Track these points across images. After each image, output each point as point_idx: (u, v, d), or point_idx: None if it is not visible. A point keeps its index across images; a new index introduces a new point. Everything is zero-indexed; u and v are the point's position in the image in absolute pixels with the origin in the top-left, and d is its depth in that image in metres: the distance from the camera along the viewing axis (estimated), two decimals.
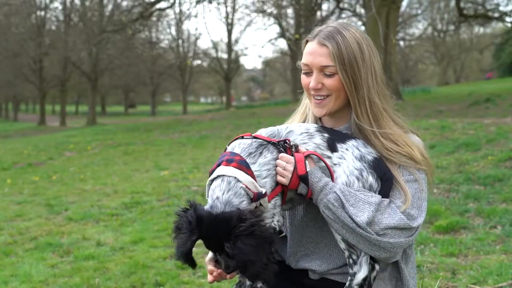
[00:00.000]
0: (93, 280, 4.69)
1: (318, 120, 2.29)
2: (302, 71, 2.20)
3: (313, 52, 2.12)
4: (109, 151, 15.67)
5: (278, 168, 1.98)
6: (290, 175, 1.96)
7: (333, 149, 2.06)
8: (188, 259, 1.91)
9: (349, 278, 2.03)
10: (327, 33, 2.12)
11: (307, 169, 1.98)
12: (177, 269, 4.85)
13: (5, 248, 5.93)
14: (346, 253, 2.04)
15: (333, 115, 2.21)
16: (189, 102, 60.05)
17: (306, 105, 2.35)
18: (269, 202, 1.94)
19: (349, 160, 2.04)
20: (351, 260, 2.03)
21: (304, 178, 1.97)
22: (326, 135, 2.08)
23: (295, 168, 1.96)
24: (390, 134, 2.12)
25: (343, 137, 2.10)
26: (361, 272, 2.01)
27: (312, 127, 2.12)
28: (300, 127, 2.11)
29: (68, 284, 4.65)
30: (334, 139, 2.08)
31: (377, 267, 2.07)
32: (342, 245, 2.03)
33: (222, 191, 1.86)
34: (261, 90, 79.37)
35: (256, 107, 33.99)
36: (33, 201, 8.72)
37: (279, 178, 1.98)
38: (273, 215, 1.97)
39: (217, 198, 1.86)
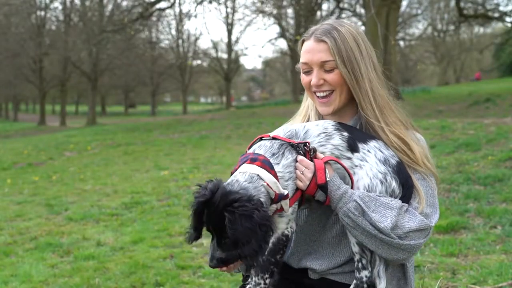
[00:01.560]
0: (93, 280, 4.69)
1: (321, 119, 2.29)
2: (302, 71, 2.20)
3: (311, 49, 2.14)
4: (109, 151, 15.67)
5: (297, 171, 1.95)
6: (308, 182, 1.94)
7: (354, 149, 2.01)
8: (197, 223, 1.89)
9: (354, 281, 2.02)
10: (323, 30, 2.14)
11: (327, 178, 1.95)
12: (177, 269, 4.85)
13: (5, 248, 5.93)
14: (357, 257, 2.02)
15: (336, 113, 2.20)
16: (189, 102, 60.05)
17: (308, 106, 2.34)
18: (290, 206, 1.91)
19: (372, 163, 2.00)
20: (360, 264, 2.02)
21: (323, 187, 1.94)
22: (345, 133, 2.03)
23: (314, 175, 1.93)
24: (397, 130, 2.11)
25: (364, 137, 2.06)
26: (382, 285, 2.00)
27: (330, 125, 2.06)
28: (318, 127, 2.06)
29: (68, 284, 4.65)
30: (355, 139, 2.03)
31: None
32: (355, 249, 2.01)
33: (244, 179, 1.85)
34: (261, 90, 79.36)
35: (256, 107, 33.97)
36: (33, 201, 8.71)
37: (297, 182, 1.95)
38: (289, 221, 1.94)
39: (237, 180, 1.85)
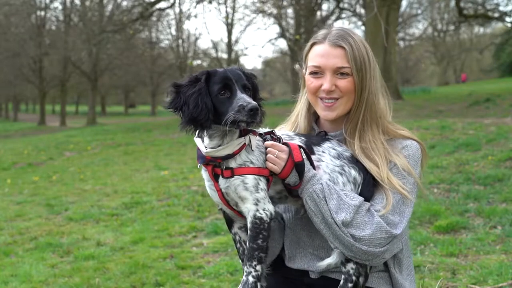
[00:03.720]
0: (93, 280, 4.69)
1: (314, 124, 2.30)
2: (310, 74, 2.18)
3: (326, 54, 2.12)
4: (109, 151, 15.67)
5: (270, 156, 1.99)
6: (283, 164, 1.98)
7: (311, 151, 2.11)
8: None
9: (342, 276, 2.05)
10: (338, 35, 2.12)
11: (303, 156, 2.01)
12: (177, 269, 4.85)
13: (5, 248, 5.93)
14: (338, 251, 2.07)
15: (335, 119, 2.22)
16: None
17: (298, 114, 2.34)
18: (251, 174, 1.97)
19: (327, 160, 2.08)
20: (343, 259, 2.06)
21: (300, 165, 1.99)
22: (303, 138, 2.14)
23: (290, 155, 1.99)
24: (369, 151, 2.12)
25: (319, 141, 2.15)
26: (329, 259, 2.05)
27: (290, 132, 2.20)
28: (281, 131, 2.21)
29: (68, 284, 4.65)
30: (311, 142, 2.13)
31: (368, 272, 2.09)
32: (333, 245, 2.05)
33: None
34: (261, 90, 79.29)
35: None
36: (33, 201, 8.71)
37: (270, 165, 1.99)
38: (257, 201, 1.95)
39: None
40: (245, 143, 1.98)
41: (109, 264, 5.13)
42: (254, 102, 1.88)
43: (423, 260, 4.47)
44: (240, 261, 2.19)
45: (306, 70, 2.23)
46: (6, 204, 8.73)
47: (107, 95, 59.93)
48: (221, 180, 1.99)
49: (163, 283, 4.52)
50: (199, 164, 2.04)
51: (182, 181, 9.23)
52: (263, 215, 1.95)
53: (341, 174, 2.06)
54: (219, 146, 1.97)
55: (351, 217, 1.96)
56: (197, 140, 2.03)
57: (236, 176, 1.96)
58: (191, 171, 10.13)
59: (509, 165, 6.99)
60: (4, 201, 9.04)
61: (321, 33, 2.18)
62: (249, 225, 1.97)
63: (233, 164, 1.98)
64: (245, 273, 1.97)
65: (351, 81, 2.11)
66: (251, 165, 1.98)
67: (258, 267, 1.95)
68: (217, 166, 2.00)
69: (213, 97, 1.93)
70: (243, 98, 1.89)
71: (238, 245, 2.16)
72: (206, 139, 2.00)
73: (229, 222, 2.17)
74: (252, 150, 2.00)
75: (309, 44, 2.22)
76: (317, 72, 2.15)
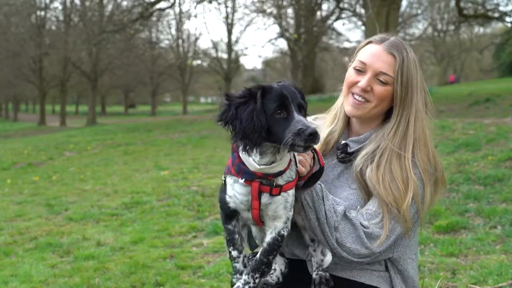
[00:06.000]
0: (93, 280, 4.69)
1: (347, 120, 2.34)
2: (354, 68, 2.19)
3: (377, 54, 2.14)
4: (109, 151, 15.66)
5: (299, 157, 2.01)
6: (309, 167, 2.02)
7: None
8: None
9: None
10: (395, 44, 2.15)
11: (324, 161, 2.06)
12: (177, 269, 4.85)
13: (5, 248, 5.93)
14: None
15: (363, 120, 2.24)
16: (189, 102, 59.98)
17: (339, 104, 2.35)
18: (291, 190, 1.96)
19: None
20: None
21: (321, 169, 2.03)
22: None
23: (316, 158, 2.02)
24: (420, 169, 2.12)
25: None
26: (328, 256, 2.09)
27: None
28: None
29: (68, 284, 4.65)
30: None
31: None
32: (317, 237, 2.12)
33: None
34: None
35: None
36: (33, 201, 8.71)
37: (300, 167, 2.01)
38: (287, 219, 1.97)
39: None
40: (290, 159, 1.96)
41: (109, 264, 5.13)
42: (313, 126, 1.77)
43: (423, 260, 4.47)
44: (236, 252, 2.06)
45: (352, 63, 2.25)
46: (6, 204, 8.72)
47: (107, 95, 59.96)
48: (265, 198, 1.93)
49: (163, 283, 4.52)
50: (241, 179, 1.94)
51: (182, 181, 9.23)
52: (285, 233, 1.97)
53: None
54: (272, 162, 1.90)
55: (339, 221, 2.04)
56: (244, 156, 1.93)
57: (282, 194, 1.93)
58: (191, 171, 10.13)
59: (509, 165, 6.99)
60: (4, 201, 9.03)
61: (381, 35, 2.21)
62: (269, 239, 1.95)
63: (280, 181, 1.93)
64: (243, 281, 1.95)
65: (389, 91, 2.12)
66: (291, 180, 1.97)
67: (257, 280, 1.96)
68: (264, 184, 1.92)
69: (268, 116, 1.82)
70: (302, 121, 1.79)
71: (237, 236, 2.06)
72: (256, 156, 1.90)
73: (230, 217, 2.06)
74: (296, 166, 1.98)
75: (366, 41, 2.25)
76: (360, 69, 2.17)
